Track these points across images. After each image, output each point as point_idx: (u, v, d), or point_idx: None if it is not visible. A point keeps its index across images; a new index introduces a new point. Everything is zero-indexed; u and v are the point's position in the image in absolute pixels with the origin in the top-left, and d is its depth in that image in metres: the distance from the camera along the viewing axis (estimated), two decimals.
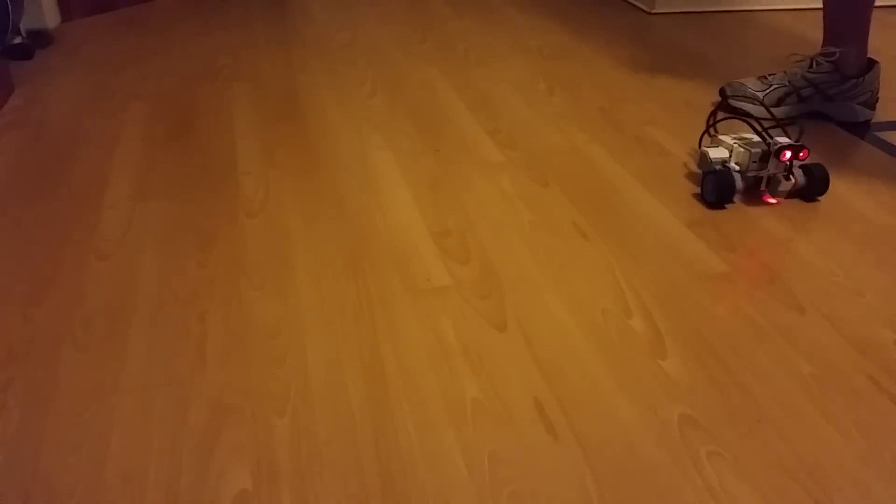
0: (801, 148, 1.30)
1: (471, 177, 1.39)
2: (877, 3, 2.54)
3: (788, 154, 1.30)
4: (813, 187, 1.34)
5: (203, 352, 0.95)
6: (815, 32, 2.25)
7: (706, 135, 1.47)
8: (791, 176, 1.32)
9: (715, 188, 1.30)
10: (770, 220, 1.28)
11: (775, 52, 2.08)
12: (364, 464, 0.81)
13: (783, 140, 1.33)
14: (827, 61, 1.59)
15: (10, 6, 1.68)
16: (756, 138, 1.37)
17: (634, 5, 2.48)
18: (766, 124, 1.46)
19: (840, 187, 1.38)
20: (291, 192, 1.32)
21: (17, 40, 1.85)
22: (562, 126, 1.61)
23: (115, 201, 1.28)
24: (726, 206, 1.32)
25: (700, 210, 1.30)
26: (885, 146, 1.55)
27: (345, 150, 1.48)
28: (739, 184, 1.31)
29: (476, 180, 1.38)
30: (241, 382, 0.91)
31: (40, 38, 1.97)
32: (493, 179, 1.38)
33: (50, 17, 2.08)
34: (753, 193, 1.35)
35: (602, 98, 1.75)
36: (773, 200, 1.34)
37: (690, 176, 1.41)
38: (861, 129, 1.62)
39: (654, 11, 2.40)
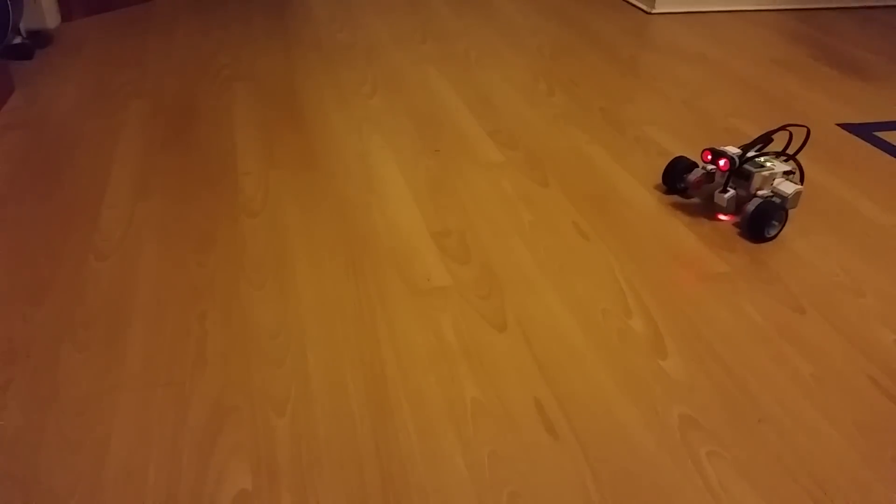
0: (724, 155, 1.21)
1: (471, 177, 1.39)
2: (876, 3, 2.54)
3: (709, 156, 1.22)
4: (750, 222, 1.20)
5: (203, 352, 0.95)
6: (814, 32, 2.25)
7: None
8: (727, 189, 1.23)
9: (667, 166, 1.32)
10: None
11: (775, 52, 2.08)
12: (364, 464, 0.81)
13: (731, 149, 1.25)
14: None
15: (10, 6, 1.68)
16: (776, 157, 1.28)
17: (634, 5, 2.48)
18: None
19: (840, 187, 1.38)
20: (291, 192, 1.32)
21: (17, 40, 1.84)
22: (562, 126, 1.61)
23: (115, 201, 1.28)
24: (677, 193, 1.33)
25: (701, 209, 1.30)
26: (885, 146, 1.55)
27: (345, 149, 1.48)
28: (693, 176, 1.27)
29: (476, 180, 1.38)
30: (241, 382, 0.91)
31: (40, 38, 1.97)
32: (493, 179, 1.38)
33: (50, 17, 2.08)
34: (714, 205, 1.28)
35: (602, 98, 1.75)
36: (722, 217, 1.26)
37: None
38: (861, 129, 1.62)
39: (654, 11, 2.40)
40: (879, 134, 1.61)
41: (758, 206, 1.18)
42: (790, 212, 1.24)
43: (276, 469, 0.80)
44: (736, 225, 1.24)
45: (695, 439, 0.85)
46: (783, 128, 1.28)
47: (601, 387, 0.92)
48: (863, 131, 1.61)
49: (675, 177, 1.31)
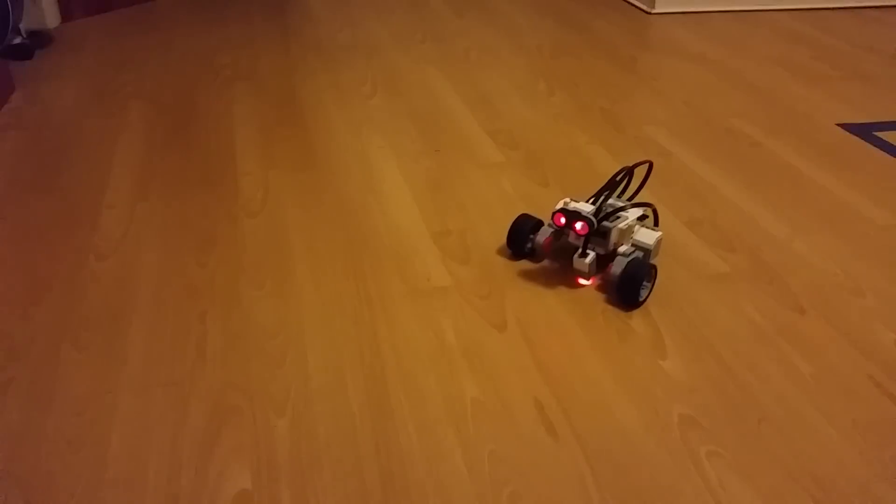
0: (579, 218, 1.05)
1: (471, 177, 1.39)
2: (876, 4, 2.54)
3: (563, 220, 1.06)
4: (619, 291, 1.05)
5: (203, 352, 0.95)
6: (814, 32, 2.25)
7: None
8: (587, 253, 1.07)
9: (511, 228, 1.15)
10: (770, 220, 1.28)
11: (775, 52, 2.08)
12: (364, 464, 0.81)
13: (583, 206, 1.08)
14: None
15: (10, 6, 1.68)
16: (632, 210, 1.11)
17: (634, 5, 2.48)
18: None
19: (840, 187, 1.38)
20: (291, 192, 1.32)
21: (17, 40, 1.84)
22: (562, 126, 1.61)
23: (115, 201, 1.28)
24: (525, 256, 1.15)
25: (701, 210, 1.30)
26: (885, 146, 1.55)
27: (345, 150, 1.48)
28: (542, 237, 1.11)
29: (476, 180, 1.38)
30: (241, 382, 0.91)
31: (40, 38, 1.97)
32: (493, 179, 1.38)
33: (50, 17, 2.08)
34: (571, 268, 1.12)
35: (602, 98, 1.75)
36: (583, 282, 1.10)
37: (691, 176, 1.41)
38: (861, 129, 1.62)
39: (654, 11, 2.40)
40: (879, 134, 1.61)
41: (624, 271, 1.04)
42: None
43: (276, 469, 0.80)
44: (599, 289, 1.09)
45: (695, 439, 0.85)
46: (636, 165, 1.15)
47: (601, 387, 0.92)
48: (863, 131, 1.61)
49: (522, 239, 1.14)
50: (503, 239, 1.20)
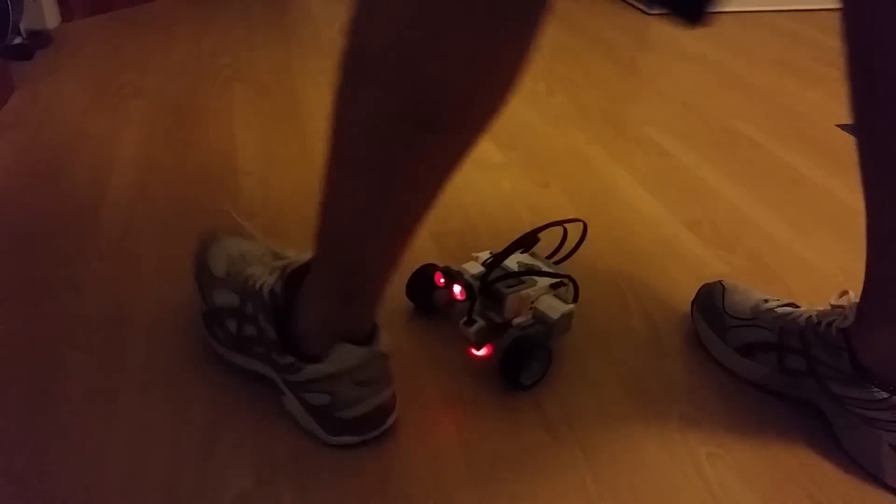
0: (458, 280, 0.92)
1: (471, 177, 1.39)
2: None
3: (443, 280, 0.95)
4: (501, 368, 0.89)
5: (203, 352, 0.95)
6: (814, 32, 2.25)
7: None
8: (474, 320, 0.91)
9: (409, 280, 1.01)
10: (770, 221, 1.28)
11: (775, 52, 2.08)
12: (364, 464, 0.80)
13: (470, 267, 0.94)
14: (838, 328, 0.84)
15: (10, 6, 1.68)
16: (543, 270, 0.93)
17: (634, 6, 2.49)
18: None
19: (840, 188, 1.38)
20: (291, 193, 1.32)
21: (17, 40, 1.84)
22: (562, 126, 1.61)
23: (116, 201, 1.28)
24: (430, 311, 1.02)
25: (701, 210, 1.30)
26: None
27: None
28: (442, 294, 0.98)
29: (476, 180, 1.38)
30: (241, 382, 0.91)
31: (40, 38, 1.97)
32: (493, 179, 1.38)
33: (50, 17, 2.08)
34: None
35: (602, 98, 1.75)
36: (476, 352, 0.94)
37: (691, 176, 1.41)
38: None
39: (653, 12, 2.40)
40: None
41: (509, 347, 0.88)
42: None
43: (276, 469, 0.80)
44: (491, 362, 0.95)
45: (695, 439, 0.85)
46: (557, 224, 0.99)
47: (601, 387, 0.92)
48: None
49: (421, 293, 1.00)
50: (503, 240, 1.20)
